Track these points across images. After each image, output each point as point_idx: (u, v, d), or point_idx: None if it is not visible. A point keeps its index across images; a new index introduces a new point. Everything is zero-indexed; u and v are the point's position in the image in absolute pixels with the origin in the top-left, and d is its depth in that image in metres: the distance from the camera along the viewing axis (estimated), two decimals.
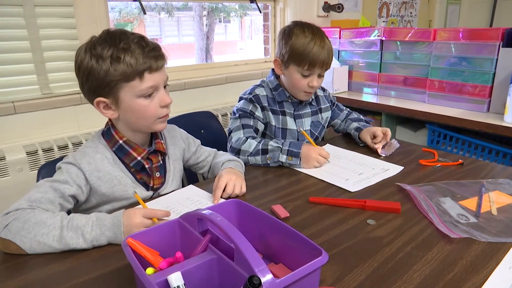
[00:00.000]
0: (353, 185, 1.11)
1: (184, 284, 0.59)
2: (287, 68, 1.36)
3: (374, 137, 1.39)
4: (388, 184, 1.13)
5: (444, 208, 0.98)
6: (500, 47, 1.68)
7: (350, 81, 2.31)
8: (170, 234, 0.74)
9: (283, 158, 1.25)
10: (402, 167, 1.23)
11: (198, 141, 1.23)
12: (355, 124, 1.50)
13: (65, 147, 1.60)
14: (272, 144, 1.28)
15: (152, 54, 0.91)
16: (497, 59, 1.70)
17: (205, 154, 1.23)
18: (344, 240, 0.86)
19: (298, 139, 1.45)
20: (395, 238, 0.86)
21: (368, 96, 2.20)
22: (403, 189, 1.08)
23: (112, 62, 0.87)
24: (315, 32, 1.34)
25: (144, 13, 1.93)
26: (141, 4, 1.87)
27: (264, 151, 1.27)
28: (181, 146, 1.14)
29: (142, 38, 0.92)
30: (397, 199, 1.03)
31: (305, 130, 1.46)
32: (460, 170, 1.23)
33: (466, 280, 0.71)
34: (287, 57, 1.34)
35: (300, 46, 1.31)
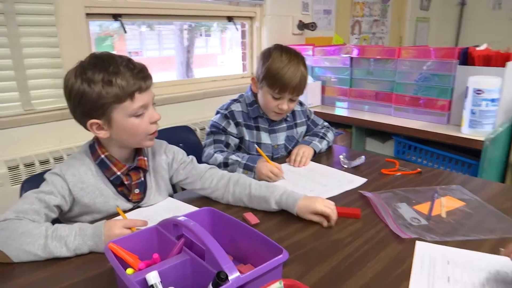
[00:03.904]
0: (317, 195, 1.19)
1: (160, 281, 0.66)
2: (261, 88, 1.45)
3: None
4: (351, 192, 1.23)
5: (400, 212, 1.08)
6: (457, 65, 1.82)
7: (323, 95, 2.43)
8: (148, 240, 0.82)
9: (240, 171, 1.34)
10: (366, 179, 1.32)
11: (189, 158, 1.22)
12: (305, 138, 1.60)
13: (47, 162, 1.65)
14: (232, 158, 1.38)
15: (141, 75, 0.98)
16: (454, 76, 1.84)
17: (206, 178, 1.18)
18: (308, 242, 0.95)
19: (272, 154, 1.54)
20: (353, 240, 0.95)
21: (340, 110, 2.32)
22: (364, 196, 1.18)
23: (103, 85, 0.93)
24: (292, 58, 1.41)
25: (125, 31, 2.01)
26: (122, 24, 1.95)
27: (226, 164, 1.37)
28: (164, 159, 1.17)
29: (129, 61, 0.99)
30: (358, 206, 1.13)
31: (279, 145, 1.55)
32: (418, 178, 1.34)
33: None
34: (261, 77, 1.43)
35: (274, 70, 1.39)
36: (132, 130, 1.00)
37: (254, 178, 1.30)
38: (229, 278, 0.63)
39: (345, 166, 1.44)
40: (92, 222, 0.95)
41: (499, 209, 1.10)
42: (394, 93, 2.09)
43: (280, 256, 0.70)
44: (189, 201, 1.19)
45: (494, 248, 0.91)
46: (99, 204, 1.04)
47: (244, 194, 1.13)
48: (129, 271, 0.70)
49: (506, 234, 0.96)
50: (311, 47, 2.47)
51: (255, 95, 1.53)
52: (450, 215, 1.07)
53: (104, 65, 0.95)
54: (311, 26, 2.66)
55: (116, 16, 1.97)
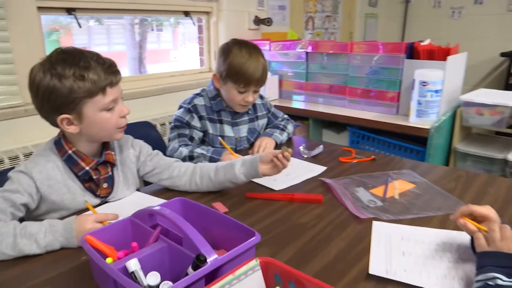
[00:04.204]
0: (280, 184, 1.26)
1: (140, 268, 0.69)
2: (225, 84, 1.49)
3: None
4: (312, 180, 1.30)
5: (358, 196, 1.17)
6: (404, 59, 1.96)
7: (280, 89, 2.50)
8: (122, 231, 0.84)
9: (205, 162, 1.37)
10: (326, 167, 1.40)
11: (155, 151, 1.25)
12: (267, 131, 1.66)
13: (1, 161, 1.59)
14: (197, 151, 1.41)
15: (111, 70, 0.99)
16: (402, 69, 1.97)
17: (174, 167, 1.22)
18: (275, 227, 1.00)
19: (235, 146, 1.58)
20: (317, 222, 1.02)
21: (297, 103, 2.40)
22: (325, 182, 1.26)
23: (75, 80, 0.93)
24: (252, 51, 1.46)
25: (79, 26, 1.96)
26: (76, 18, 1.90)
27: (191, 158, 1.40)
28: (132, 153, 1.18)
29: (98, 56, 0.99)
30: (319, 192, 1.20)
31: (242, 137, 1.60)
32: (373, 165, 1.44)
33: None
34: (225, 74, 1.46)
35: (237, 66, 1.43)
36: (103, 124, 1.01)
37: None
38: (208, 260, 0.67)
39: (305, 156, 1.52)
40: (60, 219, 0.95)
41: (444, 189, 1.21)
42: (347, 86, 2.20)
43: (253, 238, 0.75)
44: (156, 194, 1.21)
45: (441, 223, 1.02)
46: (66, 201, 1.03)
47: (210, 169, 1.19)
48: (109, 260, 0.72)
49: (451, 210, 1.07)
50: (268, 42, 2.52)
51: (217, 89, 1.56)
52: (402, 196, 1.17)
53: (74, 60, 0.94)
54: (267, 22, 2.71)
55: (69, 10, 1.92)
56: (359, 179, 1.29)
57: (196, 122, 1.51)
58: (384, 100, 2.06)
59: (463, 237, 0.93)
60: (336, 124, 2.25)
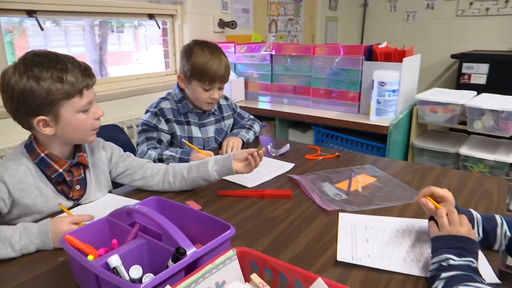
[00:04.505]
0: (251, 181, 1.31)
1: (121, 264, 0.71)
2: (190, 84, 1.52)
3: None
4: (281, 176, 1.36)
5: (324, 190, 1.24)
6: (363, 61, 2.06)
7: (246, 91, 2.55)
8: (100, 231, 0.85)
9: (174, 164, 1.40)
10: (293, 164, 1.47)
11: (126, 153, 1.27)
12: (233, 131, 1.71)
13: None
14: (166, 153, 1.44)
15: (87, 72, 1.01)
16: (362, 70, 2.07)
17: (147, 167, 1.24)
18: (248, 222, 1.05)
19: (204, 146, 1.62)
20: (287, 216, 1.08)
21: (263, 103, 2.46)
22: (293, 179, 1.32)
23: (53, 82, 0.94)
24: (213, 50, 1.52)
25: (41, 29, 1.93)
26: (37, 21, 1.87)
27: (160, 160, 1.42)
28: (104, 155, 1.19)
29: (74, 59, 1.01)
30: (288, 187, 1.26)
31: (209, 137, 1.63)
32: (337, 161, 1.52)
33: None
34: (189, 74, 1.50)
35: (201, 65, 1.47)
36: (79, 125, 1.02)
37: None
38: (187, 252, 0.71)
39: (273, 154, 1.58)
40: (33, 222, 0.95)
41: (403, 182, 1.30)
42: (311, 87, 2.28)
43: (229, 231, 0.80)
44: (128, 195, 1.22)
45: (401, 212, 1.10)
46: (39, 204, 1.03)
47: (183, 168, 1.22)
48: (90, 257, 0.74)
49: (409, 201, 1.16)
50: (233, 44, 2.57)
51: (183, 91, 1.59)
52: (365, 189, 1.25)
53: (50, 63, 0.95)
54: (231, 25, 2.76)
55: (30, 12, 1.88)
56: (325, 175, 1.36)
57: (163, 125, 1.54)
58: (345, 100, 2.16)
59: (421, 224, 1.02)
60: (301, 123, 2.33)
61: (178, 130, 1.56)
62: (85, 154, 1.12)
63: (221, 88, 1.56)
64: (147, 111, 1.58)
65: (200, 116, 1.62)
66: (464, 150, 1.97)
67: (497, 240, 0.92)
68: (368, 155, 1.63)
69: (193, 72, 1.49)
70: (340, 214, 1.08)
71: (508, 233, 0.91)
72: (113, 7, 2.16)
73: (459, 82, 3.27)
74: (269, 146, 1.62)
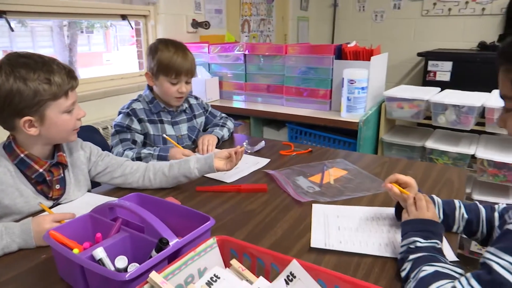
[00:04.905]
0: (229, 177, 1.36)
1: (106, 256, 0.75)
2: (157, 79, 1.56)
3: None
4: (258, 172, 1.42)
5: (298, 183, 1.30)
6: (334, 59, 2.14)
7: (221, 90, 2.59)
8: (83, 227, 0.88)
9: (154, 161, 1.42)
10: (269, 160, 1.53)
11: (105, 152, 1.29)
12: (207, 130, 1.76)
13: None
14: (144, 152, 1.47)
15: (71, 74, 1.03)
16: (332, 69, 2.15)
17: (126, 165, 1.27)
18: (226, 215, 1.10)
19: (178, 143, 1.64)
20: (264, 208, 1.13)
21: (237, 102, 2.50)
22: (268, 174, 1.37)
23: (40, 83, 0.96)
24: (178, 46, 1.57)
25: (12, 30, 1.90)
26: (8, 22, 1.85)
27: (139, 159, 1.44)
28: (82, 154, 1.21)
29: (57, 61, 1.03)
30: (264, 182, 1.32)
31: (183, 135, 1.66)
32: (310, 156, 1.58)
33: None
34: (156, 69, 1.54)
35: (166, 59, 1.52)
36: (63, 126, 1.04)
37: None
38: (170, 243, 0.75)
39: (249, 151, 1.63)
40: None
41: (372, 173, 1.38)
42: (284, 86, 2.34)
43: (209, 222, 0.84)
44: (108, 194, 1.24)
45: (370, 201, 1.17)
46: (19, 204, 1.04)
47: (164, 165, 1.26)
48: (75, 251, 0.76)
49: (378, 191, 1.24)
50: (207, 44, 2.60)
51: (153, 92, 1.63)
52: (336, 181, 1.32)
53: (36, 64, 0.97)
54: (205, 25, 2.79)
55: (0, 13, 1.86)
56: (298, 169, 1.42)
57: (136, 125, 1.56)
58: (317, 98, 2.23)
59: (388, 211, 1.09)
60: (275, 121, 2.38)
61: (151, 129, 1.59)
62: (64, 154, 1.14)
63: (188, 82, 1.59)
64: (119, 113, 1.60)
65: (172, 115, 1.65)
66: (430, 144, 2.08)
67: (456, 222, 1.00)
68: (340, 150, 1.70)
69: (159, 67, 1.53)
70: (314, 205, 1.15)
71: (465, 215, 1.00)
72: (85, 8, 2.15)
73: (425, 79, 3.41)
74: (244, 143, 1.66)
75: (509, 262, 0.60)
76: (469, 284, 0.64)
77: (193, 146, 1.67)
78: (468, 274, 0.66)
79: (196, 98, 1.80)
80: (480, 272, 0.65)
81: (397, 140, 2.20)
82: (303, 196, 1.19)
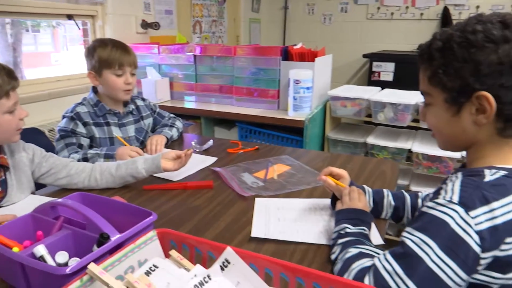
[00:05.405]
0: (176, 176, 1.39)
1: (48, 253, 0.76)
2: (101, 76, 1.56)
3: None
4: (205, 169, 1.46)
5: (243, 179, 1.35)
6: (281, 61, 2.22)
7: (171, 91, 2.60)
8: (23, 227, 0.88)
9: (100, 161, 1.44)
10: (216, 158, 1.57)
11: (49, 153, 1.28)
12: (156, 130, 1.78)
13: None
14: (91, 152, 1.47)
15: (12, 75, 1.03)
16: (279, 70, 2.23)
17: (72, 165, 1.27)
18: (172, 211, 1.14)
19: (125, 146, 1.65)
20: (209, 204, 1.18)
21: (188, 103, 2.53)
22: (215, 171, 1.42)
23: None
24: (114, 41, 1.60)
25: None
26: None
27: (85, 159, 1.44)
28: (25, 156, 1.19)
29: None
30: (210, 179, 1.36)
31: (130, 136, 1.67)
32: (257, 153, 1.65)
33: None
34: (98, 66, 1.55)
35: (107, 53, 1.54)
36: (6, 126, 1.04)
37: None
38: (111, 237, 0.77)
39: (197, 150, 1.66)
40: None
41: (314, 168, 1.47)
42: (234, 86, 2.39)
43: (151, 217, 0.87)
44: (52, 196, 1.24)
45: (310, 194, 1.25)
46: None
47: (111, 166, 1.28)
48: (15, 249, 0.77)
49: (317, 184, 1.32)
50: (157, 45, 2.60)
51: (97, 94, 1.63)
52: (280, 176, 1.39)
53: None
54: (155, 26, 2.79)
55: None
56: (244, 166, 1.48)
57: (81, 129, 1.54)
58: (266, 98, 2.31)
59: (325, 202, 1.18)
60: (226, 121, 2.43)
61: (97, 133, 1.57)
62: (5, 156, 1.13)
63: (133, 74, 1.61)
64: (63, 117, 1.58)
65: (119, 117, 1.65)
66: (371, 140, 2.21)
67: (384, 209, 1.09)
68: (286, 147, 1.78)
69: (101, 63, 1.54)
70: (256, 199, 1.21)
71: (393, 203, 1.10)
72: (27, 6, 2.09)
73: (371, 79, 3.59)
74: (193, 143, 1.70)
75: (419, 238, 0.69)
76: (385, 258, 0.72)
77: (141, 147, 1.68)
78: (386, 251, 0.74)
79: (143, 99, 1.81)
80: (395, 248, 0.73)
81: (342, 137, 2.32)
82: (247, 191, 1.25)
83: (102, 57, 1.53)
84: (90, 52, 1.57)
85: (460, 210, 0.66)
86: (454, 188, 0.70)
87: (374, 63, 3.55)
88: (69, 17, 2.39)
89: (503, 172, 0.71)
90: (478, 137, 0.76)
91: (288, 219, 1.09)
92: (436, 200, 0.71)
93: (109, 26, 2.58)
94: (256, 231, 1.01)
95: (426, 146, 2.11)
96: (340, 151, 2.34)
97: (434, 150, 2.04)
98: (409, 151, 2.15)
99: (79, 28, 2.48)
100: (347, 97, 2.21)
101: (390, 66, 3.50)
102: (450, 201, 0.68)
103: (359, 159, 1.61)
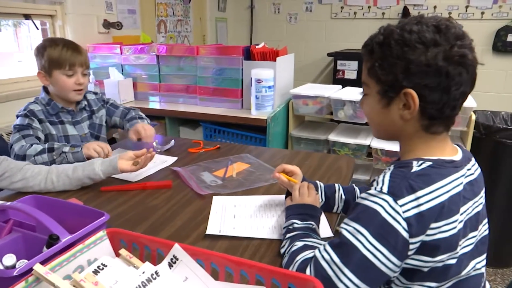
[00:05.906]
0: (135, 176, 1.39)
1: None
2: (51, 76, 1.53)
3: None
4: (165, 169, 1.47)
5: (202, 178, 1.38)
6: (243, 60, 2.25)
7: (135, 91, 2.58)
8: None
9: (66, 148, 1.41)
10: (176, 158, 1.59)
11: (2, 156, 1.25)
12: (128, 124, 1.72)
13: None
14: (57, 143, 1.45)
15: None
16: (242, 69, 2.26)
17: (27, 168, 1.25)
18: (130, 211, 1.15)
19: (82, 141, 1.61)
20: (166, 203, 1.20)
21: (153, 103, 2.52)
22: (174, 171, 1.44)
23: None
24: (65, 40, 1.58)
25: None
26: None
27: (51, 150, 1.40)
28: None
29: None
30: (170, 178, 1.38)
31: (86, 133, 1.65)
32: (218, 152, 1.67)
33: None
34: (47, 66, 1.52)
35: (57, 53, 1.51)
36: None
37: (80, 152, 1.40)
38: (61, 238, 0.78)
39: (158, 150, 1.67)
40: None
41: (273, 166, 1.50)
42: (197, 86, 2.41)
43: (102, 217, 0.88)
44: (7, 199, 1.22)
45: (266, 190, 1.29)
46: None
47: (67, 168, 1.27)
48: None
49: (275, 181, 1.35)
50: (119, 46, 2.58)
51: (49, 94, 1.60)
52: (239, 174, 1.42)
53: None
54: (117, 25, 2.76)
55: None
56: (204, 165, 1.50)
57: (36, 124, 1.52)
58: (229, 97, 2.33)
59: (280, 199, 1.21)
60: (191, 121, 2.44)
61: (53, 130, 1.56)
62: None
63: (85, 75, 1.59)
64: (17, 116, 1.54)
65: (72, 115, 1.63)
66: (332, 137, 2.27)
67: (336, 203, 1.14)
68: (246, 145, 1.81)
69: (51, 62, 1.51)
70: (214, 197, 1.23)
71: (344, 197, 1.14)
72: None
73: (336, 78, 3.67)
74: (154, 143, 1.71)
75: (353, 227, 0.74)
76: (325, 249, 0.76)
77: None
78: (326, 242, 0.79)
79: (95, 93, 1.77)
80: (334, 239, 0.78)
81: (304, 134, 2.38)
82: (205, 190, 1.27)
83: (52, 56, 1.50)
84: (40, 51, 1.53)
85: (389, 199, 0.71)
86: (384, 179, 0.75)
87: (339, 62, 3.63)
88: (27, 16, 2.33)
89: (428, 163, 0.76)
90: (406, 131, 0.81)
91: (243, 216, 1.12)
92: (369, 191, 0.75)
93: (69, 26, 2.53)
94: (211, 229, 1.04)
95: (385, 142, 2.18)
96: (303, 149, 2.40)
97: (392, 145, 2.13)
98: (369, 147, 2.22)
99: (37, 28, 2.42)
100: (308, 95, 2.27)
101: (354, 65, 3.59)
102: (381, 191, 0.73)
103: (317, 155, 1.66)
